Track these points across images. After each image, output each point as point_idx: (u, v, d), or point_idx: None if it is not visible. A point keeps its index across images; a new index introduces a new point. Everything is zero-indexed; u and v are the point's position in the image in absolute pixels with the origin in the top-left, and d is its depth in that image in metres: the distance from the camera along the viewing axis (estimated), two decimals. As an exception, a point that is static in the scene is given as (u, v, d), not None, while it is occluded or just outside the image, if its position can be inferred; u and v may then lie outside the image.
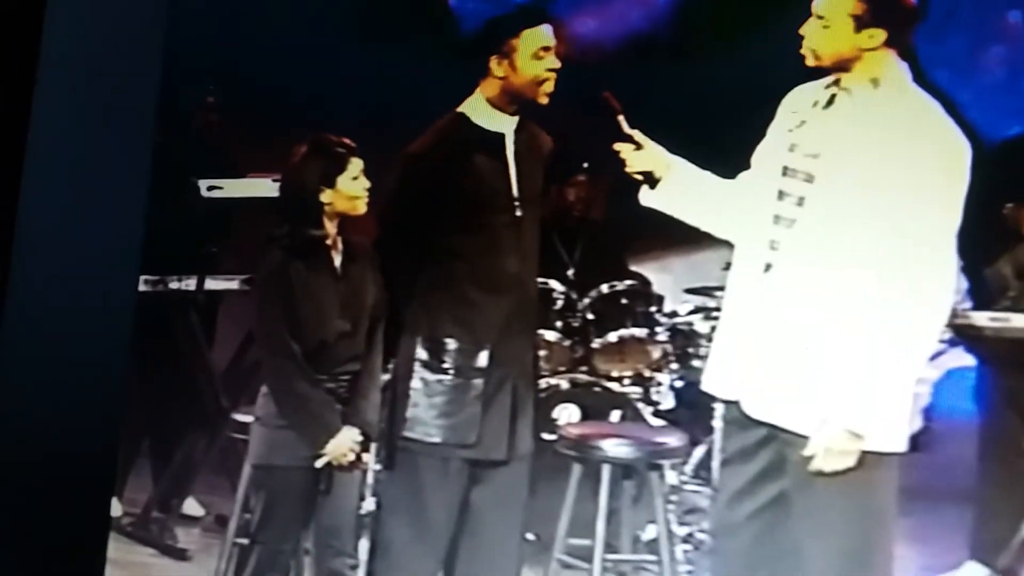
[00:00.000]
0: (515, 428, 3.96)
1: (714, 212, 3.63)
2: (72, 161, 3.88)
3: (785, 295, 3.41)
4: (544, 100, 3.93)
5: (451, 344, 3.93)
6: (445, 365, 3.93)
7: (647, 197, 3.64)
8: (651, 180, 3.61)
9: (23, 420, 3.66)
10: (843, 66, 3.43)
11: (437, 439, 3.92)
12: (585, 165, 5.61)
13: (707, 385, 3.61)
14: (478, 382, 3.92)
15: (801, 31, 3.45)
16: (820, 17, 3.42)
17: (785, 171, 3.46)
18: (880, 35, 3.39)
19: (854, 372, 3.33)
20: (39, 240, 3.81)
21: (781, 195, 3.45)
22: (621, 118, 3.62)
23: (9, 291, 3.74)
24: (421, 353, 3.95)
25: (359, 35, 5.87)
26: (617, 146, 3.60)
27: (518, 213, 3.96)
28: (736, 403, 3.49)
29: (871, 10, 3.38)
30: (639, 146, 3.61)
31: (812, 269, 3.38)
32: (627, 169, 3.61)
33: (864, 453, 3.34)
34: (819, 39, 3.42)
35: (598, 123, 3.65)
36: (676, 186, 3.61)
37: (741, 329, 3.49)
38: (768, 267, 3.44)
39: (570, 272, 5.48)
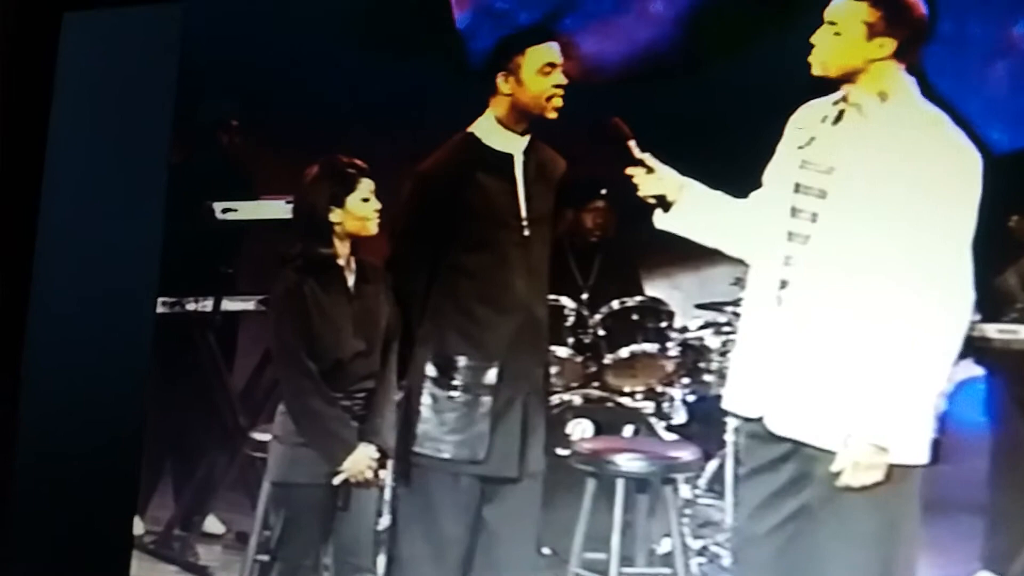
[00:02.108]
0: (526, 446, 3.99)
1: (728, 232, 3.65)
2: (89, 187, 3.93)
3: (802, 310, 3.43)
4: (552, 115, 3.96)
5: (461, 361, 3.97)
6: (454, 382, 3.97)
7: (661, 220, 3.67)
8: (664, 203, 3.64)
9: (47, 442, 3.70)
10: (849, 78, 3.45)
11: (447, 455, 3.96)
12: (603, 191, 5.64)
13: (728, 403, 3.63)
14: (487, 399, 3.96)
15: (812, 39, 3.48)
16: (832, 23, 3.44)
17: (797, 188, 3.48)
18: (890, 45, 3.40)
19: (876, 385, 3.35)
20: (58, 265, 3.87)
21: (794, 212, 3.48)
22: (632, 143, 3.66)
23: (30, 316, 3.79)
24: (431, 370, 3.99)
25: (375, 56, 5.91)
26: (629, 170, 3.64)
27: (526, 233, 4.00)
28: (757, 420, 3.52)
29: (885, 17, 3.40)
30: (651, 170, 3.64)
31: (828, 284, 3.40)
32: (639, 193, 3.65)
33: (891, 467, 3.37)
34: (829, 47, 3.44)
35: (607, 146, 3.68)
36: (690, 208, 3.63)
37: (760, 346, 3.51)
38: (784, 284, 3.47)
39: (584, 296, 5.51)
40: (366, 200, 4.02)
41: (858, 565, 3.40)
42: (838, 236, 3.41)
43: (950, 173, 3.37)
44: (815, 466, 3.43)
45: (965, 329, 3.40)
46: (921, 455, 3.40)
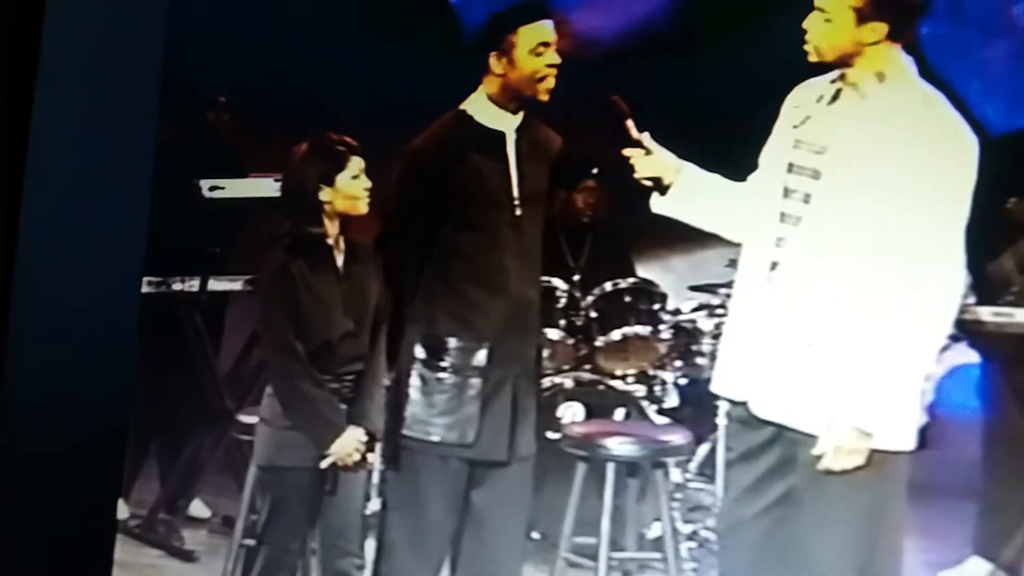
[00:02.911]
0: (516, 429, 3.95)
1: (725, 216, 3.62)
2: (73, 163, 3.87)
3: (792, 293, 3.41)
4: (544, 97, 3.91)
5: (450, 343, 3.93)
6: (443, 364, 3.92)
7: (658, 204, 3.64)
8: (660, 186, 3.61)
9: (30, 423, 3.66)
10: (846, 61, 3.42)
11: (436, 438, 3.91)
12: (595, 171, 5.61)
13: (716, 386, 3.62)
14: (476, 381, 3.91)
15: (804, 25, 3.45)
16: (822, 10, 3.41)
17: (791, 168, 3.46)
18: (881, 29, 3.38)
19: (862, 369, 3.33)
20: (41, 243, 3.82)
21: (787, 192, 3.45)
22: (630, 123, 3.61)
23: (13, 295, 3.75)
24: (420, 351, 3.94)
25: (366, 33, 5.87)
26: (627, 151, 3.60)
27: (518, 212, 3.95)
28: (744, 403, 3.50)
29: (872, 2, 3.37)
30: (648, 151, 3.60)
31: (819, 266, 3.38)
32: (636, 175, 3.61)
33: (873, 452, 3.34)
34: (820, 33, 3.41)
35: (604, 124, 3.64)
36: (687, 192, 3.60)
37: (748, 328, 3.49)
38: (774, 265, 3.44)
39: (576, 277, 5.48)
40: (356, 178, 3.98)
41: (843, 549, 3.39)
42: (830, 217, 3.40)
43: (945, 156, 3.35)
44: (800, 450, 3.43)
45: (953, 314, 3.40)
46: (906, 441, 3.39)
